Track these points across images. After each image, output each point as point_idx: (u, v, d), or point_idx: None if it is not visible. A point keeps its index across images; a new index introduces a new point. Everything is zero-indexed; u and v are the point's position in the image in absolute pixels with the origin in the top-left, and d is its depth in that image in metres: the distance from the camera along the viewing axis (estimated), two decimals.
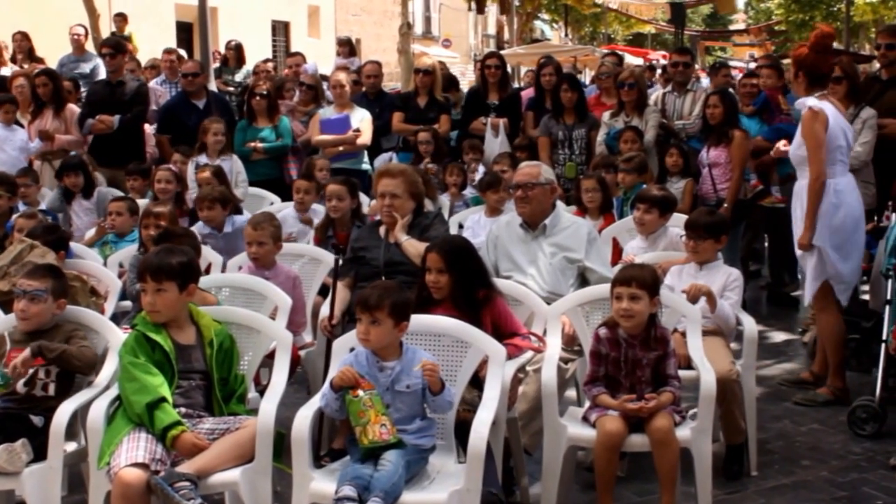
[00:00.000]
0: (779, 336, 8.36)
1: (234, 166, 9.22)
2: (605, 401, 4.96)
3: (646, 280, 4.96)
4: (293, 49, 24.95)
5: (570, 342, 5.57)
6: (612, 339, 5.01)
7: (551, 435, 5.02)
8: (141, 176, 9.00)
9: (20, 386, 4.74)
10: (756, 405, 5.89)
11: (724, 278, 5.93)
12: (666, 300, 5.36)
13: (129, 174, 9.08)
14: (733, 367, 5.55)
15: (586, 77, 19.54)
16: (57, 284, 5.00)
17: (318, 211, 7.97)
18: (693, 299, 5.63)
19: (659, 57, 30.22)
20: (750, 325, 5.83)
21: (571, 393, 6.26)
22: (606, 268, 6.15)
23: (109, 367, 4.93)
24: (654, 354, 4.98)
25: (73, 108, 10.38)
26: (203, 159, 9.09)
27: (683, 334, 5.53)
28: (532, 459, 5.41)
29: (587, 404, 5.17)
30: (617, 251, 7.11)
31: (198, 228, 7.47)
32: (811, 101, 6.58)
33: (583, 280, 6.10)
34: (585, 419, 5.04)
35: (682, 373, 5.13)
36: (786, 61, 12.65)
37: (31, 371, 4.78)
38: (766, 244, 10.28)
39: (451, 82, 11.39)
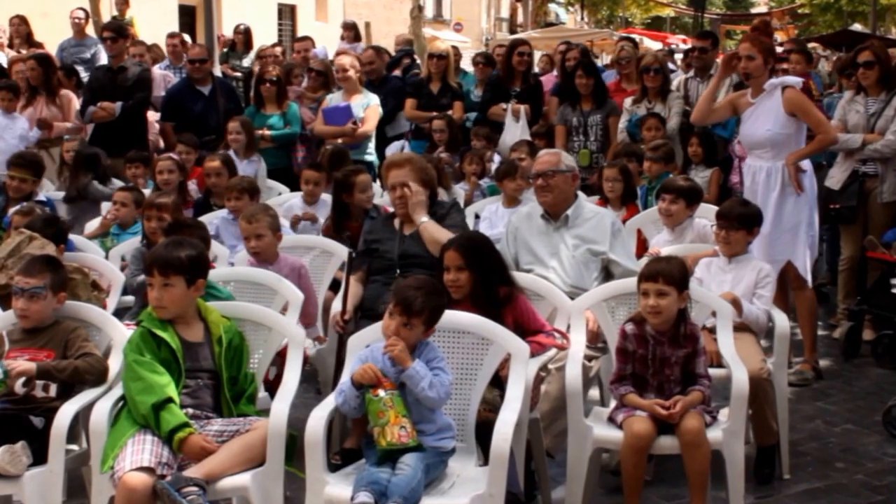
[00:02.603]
0: None
1: (259, 168, 9.01)
2: (633, 400, 4.75)
3: (673, 274, 4.75)
4: (300, 33, 24.65)
5: (594, 339, 5.35)
6: (640, 335, 4.81)
7: (576, 436, 4.81)
8: (142, 164, 8.75)
9: (19, 387, 4.51)
10: (787, 405, 5.66)
11: (755, 274, 5.68)
12: (695, 295, 5.12)
13: (129, 162, 8.81)
14: (764, 366, 5.33)
15: (604, 61, 19.31)
16: (55, 278, 4.78)
17: (327, 201, 7.74)
18: None
19: (678, 41, 29.86)
20: (782, 321, 5.62)
21: (594, 392, 6.03)
22: (631, 260, 5.93)
23: (113, 365, 4.71)
24: (683, 352, 4.78)
25: (69, 95, 10.15)
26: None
27: (712, 330, 5.30)
28: (554, 462, 5.21)
29: (612, 404, 4.96)
30: (641, 243, 6.87)
31: (219, 215, 7.33)
32: (791, 80, 6.96)
33: (607, 273, 5.88)
34: (611, 420, 4.83)
35: (712, 371, 4.93)
36: (811, 45, 12.39)
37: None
38: None
39: (489, 61, 11.12)
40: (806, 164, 6.88)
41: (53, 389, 4.59)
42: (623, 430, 4.68)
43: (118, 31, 10.13)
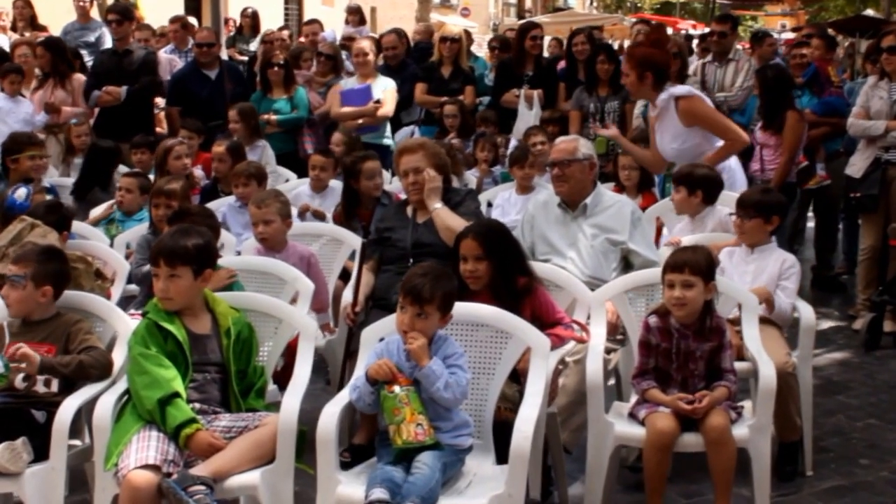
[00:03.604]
0: (826, 323, 7.96)
1: (264, 154, 8.83)
2: (655, 396, 4.59)
3: (700, 265, 4.58)
4: (306, 17, 24.40)
5: (612, 331, 5.18)
6: (664, 328, 4.64)
7: (597, 433, 4.65)
8: (149, 149, 8.55)
9: (19, 381, 4.37)
10: (811, 399, 5.48)
11: (779, 264, 5.50)
12: (720, 286, 4.92)
13: (135, 147, 8.61)
14: (789, 359, 5.16)
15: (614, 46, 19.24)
16: (40, 269, 4.56)
17: (335, 188, 7.58)
18: None
19: (688, 26, 29.60)
20: (807, 313, 5.44)
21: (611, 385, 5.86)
22: (651, 250, 5.76)
23: (118, 358, 4.54)
24: (709, 346, 4.61)
25: (81, 78, 9.98)
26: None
27: (734, 322, 5.12)
28: (570, 457, 5.05)
29: (633, 399, 4.78)
30: (658, 231, 6.67)
31: (227, 202, 7.21)
32: (680, 90, 6.73)
33: (626, 263, 5.71)
34: (633, 416, 4.67)
35: (736, 364, 4.74)
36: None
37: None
38: (814, 224, 9.84)
39: (504, 46, 10.94)
40: (727, 164, 6.67)
41: (55, 385, 4.43)
42: (646, 427, 4.51)
43: (123, 14, 9.93)
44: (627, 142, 7.30)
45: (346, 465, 4.35)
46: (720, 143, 6.68)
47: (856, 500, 5.11)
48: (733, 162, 6.83)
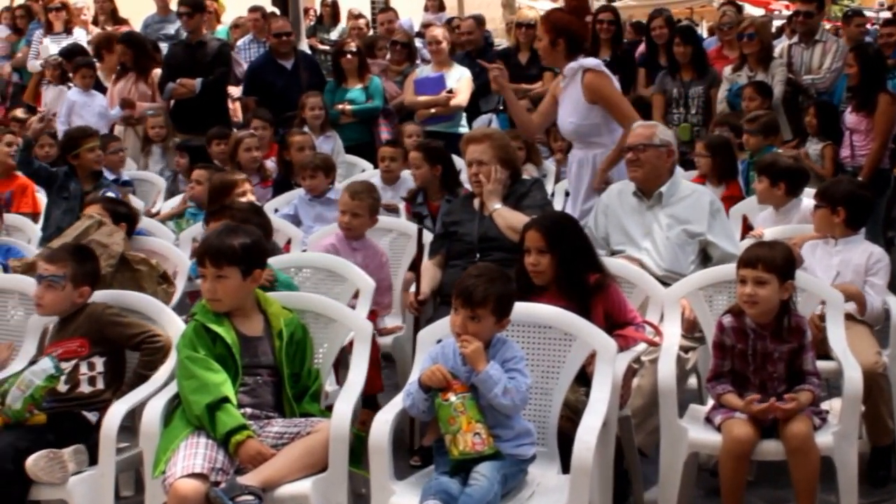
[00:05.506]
0: None
1: (335, 145, 8.77)
2: (730, 401, 4.34)
3: (775, 261, 4.31)
4: (392, 4, 24.30)
5: (691, 328, 4.93)
6: (739, 328, 4.38)
7: (670, 439, 4.42)
8: (226, 140, 8.47)
9: (61, 384, 4.28)
10: None
11: (865, 258, 5.17)
12: (801, 282, 4.65)
13: (213, 138, 8.54)
14: (880, 359, 4.85)
15: (703, 29, 18.71)
16: (79, 269, 4.49)
17: (407, 180, 7.45)
18: None
19: (781, 7, 28.78)
20: None
21: (692, 381, 5.56)
22: (732, 243, 5.49)
23: (168, 361, 4.43)
24: (788, 347, 4.35)
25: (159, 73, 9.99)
26: None
27: (821, 318, 4.83)
28: (647, 460, 4.81)
29: (710, 402, 4.53)
30: (746, 230, 6.34)
31: (299, 193, 7.15)
32: (589, 62, 6.29)
33: (705, 257, 5.46)
34: (709, 420, 4.42)
35: (820, 364, 4.47)
36: None
37: (70, 365, 4.34)
38: None
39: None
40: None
41: (100, 381, 4.37)
42: (721, 434, 4.27)
43: (194, 6, 9.84)
44: (512, 95, 6.86)
45: (415, 469, 4.25)
46: (619, 133, 6.22)
47: None
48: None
